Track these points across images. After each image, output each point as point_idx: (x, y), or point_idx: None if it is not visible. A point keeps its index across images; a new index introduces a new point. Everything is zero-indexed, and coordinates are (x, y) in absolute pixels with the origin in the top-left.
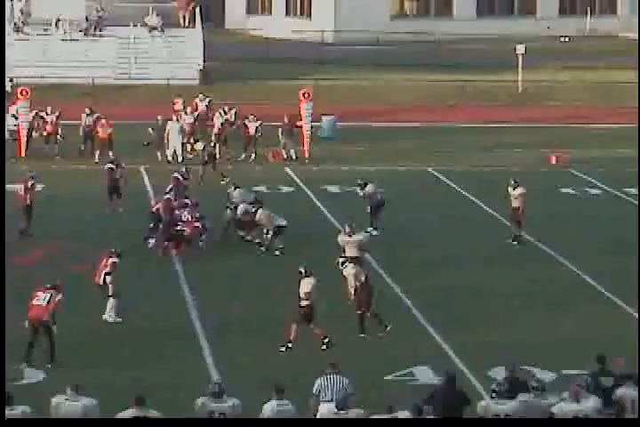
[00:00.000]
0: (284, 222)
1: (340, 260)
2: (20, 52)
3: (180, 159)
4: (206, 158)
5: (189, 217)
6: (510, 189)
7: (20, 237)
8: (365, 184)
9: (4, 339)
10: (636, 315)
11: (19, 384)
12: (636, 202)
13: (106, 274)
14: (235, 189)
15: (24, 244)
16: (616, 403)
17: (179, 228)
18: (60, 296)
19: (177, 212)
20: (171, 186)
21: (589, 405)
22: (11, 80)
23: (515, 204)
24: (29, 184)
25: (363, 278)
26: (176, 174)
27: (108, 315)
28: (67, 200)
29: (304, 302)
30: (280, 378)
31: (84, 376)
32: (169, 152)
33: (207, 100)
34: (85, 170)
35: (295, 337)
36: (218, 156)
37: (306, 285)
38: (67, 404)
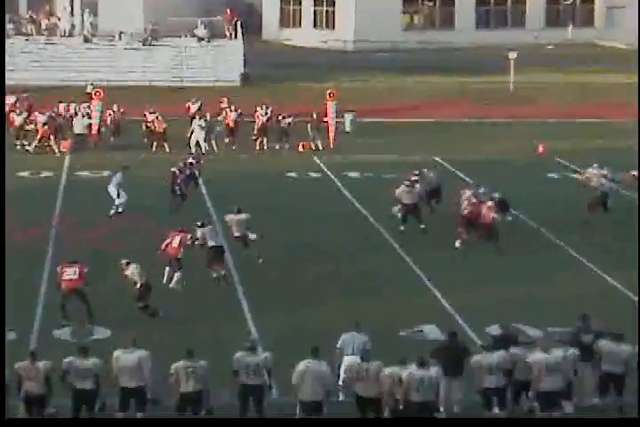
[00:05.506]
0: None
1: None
2: (90, 60)
3: (203, 151)
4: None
5: None
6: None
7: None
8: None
9: (4, 339)
10: (614, 282)
11: (89, 340)
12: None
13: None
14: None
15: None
16: (595, 353)
17: None
18: (85, 269)
19: None
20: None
21: (557, 354)
22: (91, 84)
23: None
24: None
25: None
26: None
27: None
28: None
29: None
30: (309, 334)
31: (144, 333)
32: (192, 144)
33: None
34: (145, 159)
35: None
36: (262, 146)
37: None
38: (124, 356)
